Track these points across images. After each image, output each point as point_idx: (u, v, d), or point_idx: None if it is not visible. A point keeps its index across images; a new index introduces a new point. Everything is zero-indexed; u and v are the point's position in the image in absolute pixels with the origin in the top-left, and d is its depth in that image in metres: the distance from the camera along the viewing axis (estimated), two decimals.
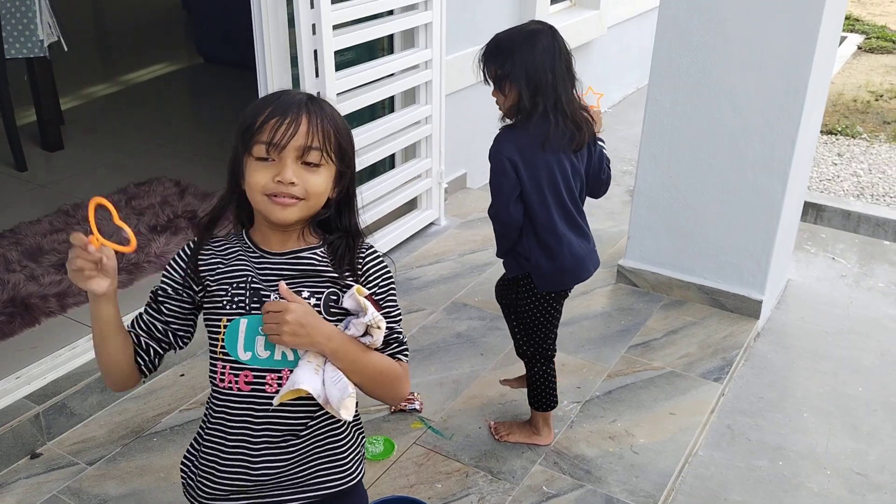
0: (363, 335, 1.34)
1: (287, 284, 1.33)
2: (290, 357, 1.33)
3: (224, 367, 1.36)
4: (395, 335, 1.42)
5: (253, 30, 2.99)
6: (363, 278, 1.40)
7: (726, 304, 3.23)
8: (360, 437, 1.52)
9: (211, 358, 1.40)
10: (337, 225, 1.44)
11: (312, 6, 2.86)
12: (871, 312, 3.41)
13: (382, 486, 2.33)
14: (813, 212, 4.43)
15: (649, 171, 3.23)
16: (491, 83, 2.22)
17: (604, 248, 3.73)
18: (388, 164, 3.70)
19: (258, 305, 1.33)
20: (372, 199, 3.48)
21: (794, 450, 2.62)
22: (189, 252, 1.43)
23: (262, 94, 3.10)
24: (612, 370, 2.88)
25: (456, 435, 2.55)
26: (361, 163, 3.28)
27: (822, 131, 5.63)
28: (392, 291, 1.44)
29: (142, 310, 1.45)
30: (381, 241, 3.57)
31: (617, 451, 2.50)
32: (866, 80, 6.80)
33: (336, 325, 1.34)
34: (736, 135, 2.99)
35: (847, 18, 9.04)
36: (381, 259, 1.44)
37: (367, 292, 1.36)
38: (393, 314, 1.43)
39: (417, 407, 2.65)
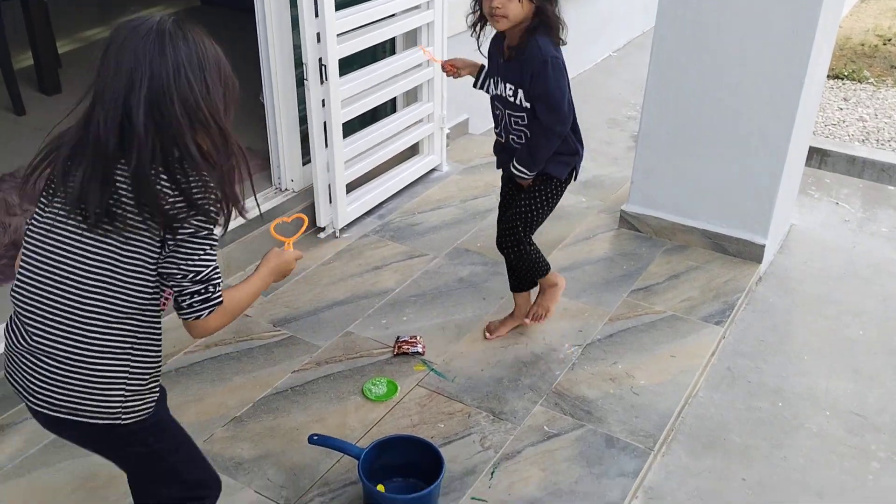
0: None
1: None
2: None
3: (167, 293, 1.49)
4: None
5: None
6: None
7: (729, 249, 3.22)
8: None
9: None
10: None
11: None
12: (874, 257, 3.40)
13: (385, 427, 2.36)
14: (817, 157, 4.39)
15: (654, 114, 3.19)
16: None
17: (606, 193, 3.73)
18: (389, 108, 3.66)
19: None
20: (373, 145, 3.45)
21: (793, 391, 2.64)
22: None
23: (261, 35, 3.06)
24: (613, 314, 2.88)
25: (458, 377, 2.57)
26: (362, 106, 3.27)
27: (828, 76, 5.54)
28: None
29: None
30: (383, 187, 3.55)
31: (617, 392, 2.52)
32: (875, 24, 6.68)
33: None
34: (743, 78, 2.94)
35: None
36: None
37: None
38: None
39: (420, 350, 2.66)
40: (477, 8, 2.33)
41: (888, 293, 3.15)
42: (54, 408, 1.47)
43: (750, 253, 3.18)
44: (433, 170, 3.85)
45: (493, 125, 2.55)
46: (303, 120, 3.25)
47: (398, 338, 2.71)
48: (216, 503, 1.74)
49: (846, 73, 5.57)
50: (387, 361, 2.63)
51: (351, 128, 3.30)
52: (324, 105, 3.08)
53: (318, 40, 2.96)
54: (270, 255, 1.65)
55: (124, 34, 1.37)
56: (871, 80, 5.50)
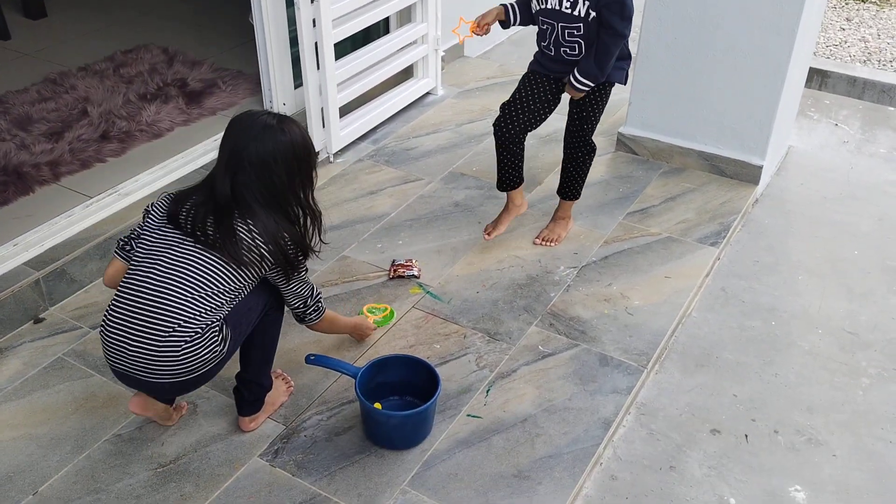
0: None
1: None
2: None
3: None
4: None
5: None
6: None
7: (726, 171, 3.20)
8: None
9: None
10: None
11: None
12: (871, 178, 3.39)
13: (382, 348, 2.38)
14: (818, 78, 4.32)
15: (653, 33, 3.12)
16: None
17: (604, 117, 3.66)
18: (382, 28, 3.58)
19: None
20: (366, 67, 3.38)
21: (787, 310, 2.66)
22: None
23: None
24: (609, 236, 2.88)
25: (454, 299, 2.58)
26: (354, 26, 3.19)
27: None
28: None
29: None
30: (376, 112, 3.50)
31: (612, 312, 2.53)
32: None
33: None
34: None
35: None
36: None
37: None
38: None
39: (416, 273, 2.66)
40: None
41: (883, 213, 3.15)
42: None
43: (747, 175, 3.16)
44: (428, 93, 3.79)
45: (539, 41, 2.54)
46: (293, 42, 3.18)
47: (394, 261, 2.71)
48: None
49: None
50: (383, 284, 2.64)
51: (343, 49, 3.23)
52: (314, 25, 3.01)
53: None
54: (361, 319, 2.39)
55: (236, 128, 1.84)
56: (875, 0, 5.38)
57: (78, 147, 3.01)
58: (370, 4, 3.26)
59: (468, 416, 2.17)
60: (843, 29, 4.96)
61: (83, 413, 2.15)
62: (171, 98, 3.36)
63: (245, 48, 3.47)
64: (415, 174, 3.23)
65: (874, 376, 2.43)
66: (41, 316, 2.48)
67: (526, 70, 2.66)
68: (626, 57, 2.55)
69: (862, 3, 5.33)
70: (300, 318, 2.09)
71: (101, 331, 1.85)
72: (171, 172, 2.92)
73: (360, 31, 3.26)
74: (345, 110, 3.33)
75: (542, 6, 2.45)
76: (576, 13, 2.38)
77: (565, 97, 2.63)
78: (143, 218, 1.93)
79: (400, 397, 2.17)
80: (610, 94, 2.63)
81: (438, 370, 2.12)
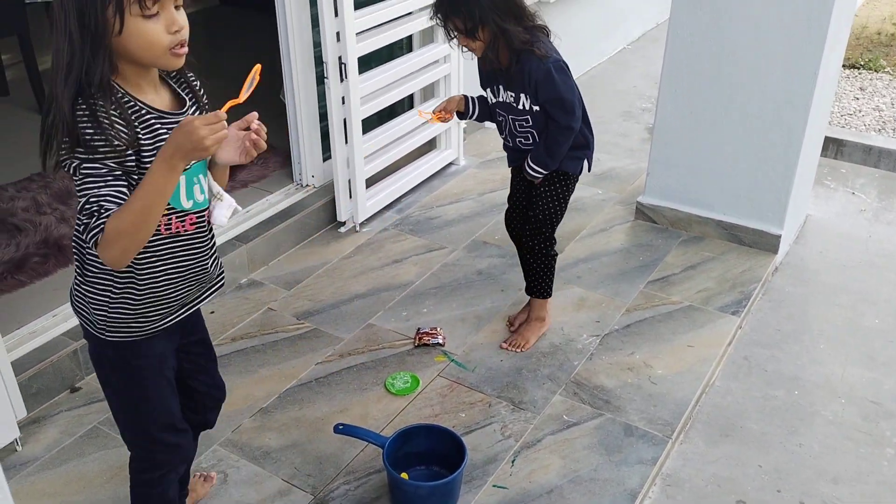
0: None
1: None
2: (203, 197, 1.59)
3: (169, 219, 1.52)
4: None
5: None
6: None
7: (745, 240, 3.25)
8: None
9: None
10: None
11: None
12: (890, 246, 3.42)
13: (408, 417, 2.42)
14: (833, 147, 4.39)
15: (669, 105, 3.22)
16: (456, 35, 2.30)
17: (623, 185, 3.77)
18: (406, 104, 3.71)
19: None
20: (391, 140, 3.51)
21: (809, 380, 2.68)
22: (119, 118, 1.40)
23: (282, 35, 3.12)
24: (630, 305, 2.93)
25: (478, 367, 2.63)
26: (380, 103, 3.32)
27: (844, 65, 5.53)
28: None
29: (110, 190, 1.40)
30: (401, 182, 3.61)
31: (635, 381, 2.56)
32: (891, 13, 6.65)
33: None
34: (757, 67, 2.97)
35: None
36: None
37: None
38: None
39: (440, 341, 2.72)
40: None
41: None
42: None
43: (766, 243, 3.21)
44: (450, 164, 3.90)
45: (499, 132, 2.58)
46: (322, 117, 3.31)
47: (419, 329, 2.77)
48: (173, 469, 1.80)
49: (862, 63, 5.56)
50: (408, 353, 2.69)
51: (369, 124, 3.36)
52: (343, 102, 3.14)
53: (338, 39, 3.01)
54: (173, 132, 1.39)
55: None
56: (888, 69, 5.49)
57: None
58: (396, 83, 3.40)
59: (494, 486, 2.19)
60: (857, 98, 5.05)
61: (118, 482, 2.20)
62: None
63: (275, 123, 3.59)
64: (438, 243, 3.31)
65: None
66: (77, 385, 2.55)
67: None
68: (584, 147, 2.52)
69: (875, 73, 5.44)
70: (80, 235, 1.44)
71: None
72: None
73: (385, 107, 3.39)
74: (371, 181, 3.44)
75: (495, 99, 2.49)
76: (520, 107, 2.41)
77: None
78: None
79: (426, 467, 2.20)
80: (572, 187, 2.58)
81: (464, 439, 2.16)
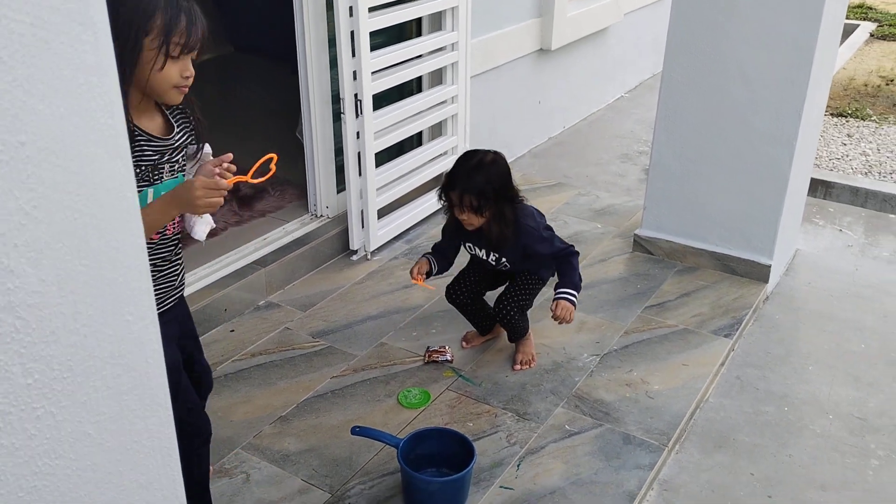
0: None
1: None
2: None
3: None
4: None
5: (284, 17, 3.24)
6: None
7: (737, 269, 3.43)
8: None
9: None
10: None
11: None
12: (875, 279, 3.60)
13: (419, 425, 2.55)
14: (822, 188, 4.61)
15: (664, 144, 3.43)
16: (465, 209, 2.57)
17: (620, 220, 3.96)
18: (415, 141, 3.93)
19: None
20: (400, 175, 3.71)
21: (798, 398, 2.83)
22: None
23: (302, 76, 3.34)
24: (628, 328, 3.09)
25: (485, 382, 2.77)
26: (393, 139, 3.54)
27: (832, 114, 5.80)
28: None
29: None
30: (410, 214, 3.80)
31: (633, 396, 2.71)
32: (878, 66, 6.95)
33: None
34: (745, 108, 3.19)
35: (860, 7, 9.18)
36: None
37: None
38: None
39: (449, 358, 2.87)
40: (445, 202, 2.68)
41: (888, 310, 3.34)
42: None
43: (757, 273, 3.39)
44: None
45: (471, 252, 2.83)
46: (337, 152, 3.52)
47: (428, 347, 2.92)
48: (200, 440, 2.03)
49: (850, 112, 5.82)
50: (418, 368, 2.84)
51: (381, 158, 3.56)
52: (358, 137, 3.35)
53: (355, 78, 3.24)
54: (179, 185, 1.72)
55: None
56: (874, 117, 5.75)
57: None
58: (407, 119, 3.62)
59: (501, 487, 2.32)
60: (845, 144, 5.29)
61: None
62: (225, 202, 3.67)
63: (292, 157, 3.81)
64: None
65: (883, 458, 2.56)
66: None
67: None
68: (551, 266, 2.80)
69: (862, 121, 5.69)
70: None
71: None
72: (226, 266, 3.19)
73: (394, 144, 3.61)
74: (382, 213, 3.63)
75: (472, 252, 2.81)
76: (501, 266, 2.76)
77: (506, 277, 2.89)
78: None
79: (437, 469, 2.33)
80: (539, 289, 2.83)
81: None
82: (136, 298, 0.97)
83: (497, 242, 2.65)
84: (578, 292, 2.70)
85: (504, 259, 2.73)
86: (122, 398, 0.98)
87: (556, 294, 2.67)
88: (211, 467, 2.36)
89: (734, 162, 3.29)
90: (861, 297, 3.45)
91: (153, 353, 1.01)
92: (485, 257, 2.77)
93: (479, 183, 2.53)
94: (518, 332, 2.85)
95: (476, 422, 2.59)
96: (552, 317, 2.65)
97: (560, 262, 2.72)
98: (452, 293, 2.90)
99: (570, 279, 2.69)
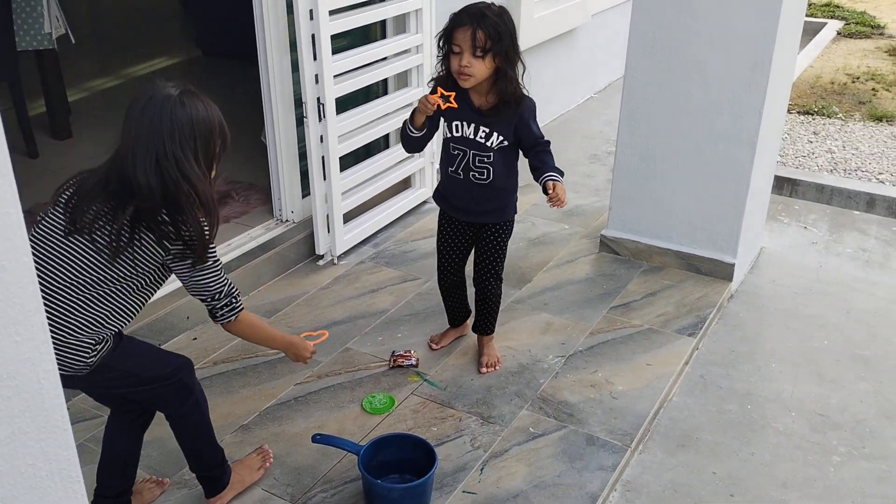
0: None
1: None
2: None
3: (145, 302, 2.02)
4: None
5: (251, 20, 3.21)
6: None
7: (701, 268, 3.45)
8: None
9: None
10: None
11: None
12: (839, 275, 3.63)
13: (382, 432, 2.54)
14: (788, 186, 4.65)
15: (628, 145, 3.44)
16: (478, 50, 2.39)
17: (588, 221, 3.97)
18: (382, 143, 3.91)
19: None
20: (368, 178, 3.69)
21: (761, 395, 2.84)
22: None
23: (263, 79, 3.31)
24: (594, 328, 3.09)
25: (450, 386, 2.77)
26: (358, 142, 3.52)
27: (799, 112, 5.85)
28: None
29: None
30: (378, 218, 3.78)
31: (597, 397, 2.71)
32: (844, 64, 7.03)
33: None
34: (707, 108, 3.20)
35: (828, 5, 9.27)
36: None
37: None
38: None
39: (414, 363, 2.86)
40: (443, 68, 2.51)
41: (851, 306, 3.37)
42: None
43: (721, 272, 3.41)
44: (424, 202, 4.08)
45: (446, 166, 2.64)
46: (302, 156, 3.50)
47: (393, 352, 2.91)
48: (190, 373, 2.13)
49: (816, 109, 5.87)
50: (383, 374, 2.83)
51: (347, 162, 3.55)
52: (322, 141, 3.33)
53: (317, 81, 3.22)
54: (298, 338, 2.24)
55: (141, 102, 1.79)
56: (840, 115, 5.80)
57: None
58: (373, 122, 3.60)
59: (464, 492, 2.32)
60: (811, 142, 5.34)
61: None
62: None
63: (256, 162, 3.79)
64: (413, 274, 3.47)
65: (844, 454, 2.58)
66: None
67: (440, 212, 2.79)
68: (515, 189, 2.69)
69: (828, 119, 5.75)
70: (212, 315, 2.00)
71: None
72: None
73: (361, 146, 3.59)
74: (348, 217, 3.61)
75: (455, 134, 2.57)
76: (489, 143, 2.54)
77: (477, 235, 2.74)
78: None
79: (399, 476, 2.32)
80: (512, 227, 2.73)
81: (436, 450, 2.29)
82: (24, 318, 0.94)
83: (485, 112, 2.49)
84: (562, 176, 2.54)
85: (493, 136, 2.52)
86: (13, 421, 0.95)
87: (544, 178, 2.49)
88: (169, 479, 2.34)
89: (697, 162, 3.31)
90: (825, 294, 3.48)
91: (46, 373, 0.98)
92: (472, 135, 2.54)
93: (494, 22, 2.37)
94: (494, 311, 2.82)
95: (440, 426, 2.58)
96: (548, 199, 2.45)
97: (540, 151, 2.55)
98: (444, 275, 2.83)
99: (553, 166, 2.53)
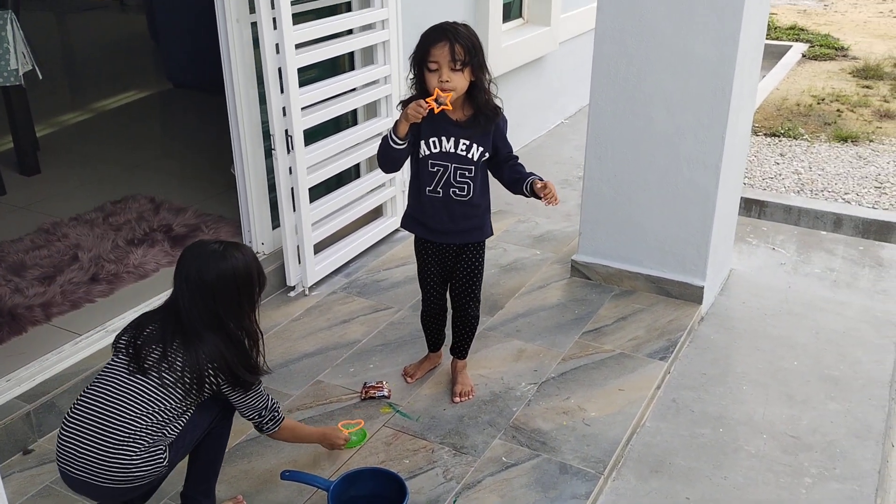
0: None
1: None
2: None
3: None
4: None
5: (219, 53, 3.22)
6: None
7: (671, 292, 3.47)
8: None
9: None
10: None
11: (275, 27, 3.09)
12: (807, 295, 3.67)
13: (354, 465, 2.52)
14: (756, 208, 4.71)
15: (595, 171, 3.47)
16: (457, 64, 2.41)
17: (559, 246, 3.99)
18: (353, 173, 3.92)
19: None
20: (339, 207, 3.69)
21: (733, 418, 2.85)
22: None
23: (231, 112, 3.32)
24: (566, 354, 3.10)
25: (422, 417, 2.75)
26: (327, 172, 3.52)
27: (766, 134, 5.94)
28: None
29: None
30: (349, 248, 3.78)
31: (570, 424, 2.71)
32: (809, 85, 7.16)
33: None
34: (671, 134, 3.25)
35: (792, 29, 9.46)
36: None
37: None
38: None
39: (386, 394, 2.84)
40: (417, 87, 2.51)
41: (819, 326, 3.41)
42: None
43: (691, 294, 3.43)
44: (396, 230, 4.09)
45: (423, 186, 2.60)
46: (271, 187, 3.49)
47: (365, 383, 2.89)
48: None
49: (783, 131, 5.97)
50: (355, 405, 2.81)
51: (318, 192, 3.54)
52: (291, 172, 3.33)
53: (284, 114, 3.22)
54: (331, 429, 2.53)
55: (187, 256, 2.08)
56: (806, 136, 5.90)
57: (69, 289, 3.23)
58: (342, 153, 3.61)
59: None
60: (778, 163, 5.42)
61: None
62: (156, 242, 3.62)
63: (226, 194, 3.78)
64: (385, 303, 3.46)
65: (816, 476, 2.59)
66: (30, 447, 2.60)
67: (414, 240, 2.79)
68: (489, 208, 2.71)
69: (794, 140, 5.84)
70: (258, 428, 2.24)
71: (58, 435, 2.08)
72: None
73: (332, 176, 3.59)
74: (319, 247, 3.60)
75: (435, 150, 2.54)
76: (469, 155, 2.53)
77: (457, 257, 2.72)
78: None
79: None
80: (483, 262, 2.74)
81: (408, 483, 2.27)
82: None
83: (464, 124, 2.51)
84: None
85: (474, 148, 2.53)
86: None
87: (529, 179, 2.56)
88: None
89: (663, 186, 3.34)
90: (793, 315, 3.51)
91: None
92: (453, 149, 2.53)
93: (466, 35, 2.44)
94: (470, 333, 2.84)
95: (412, 458, 2.56)
96: (543, 194, 2.50)
97: (514, 164, 2.64)
98: (429, 304, 2.83)
99: (530, 172, 2.61)
